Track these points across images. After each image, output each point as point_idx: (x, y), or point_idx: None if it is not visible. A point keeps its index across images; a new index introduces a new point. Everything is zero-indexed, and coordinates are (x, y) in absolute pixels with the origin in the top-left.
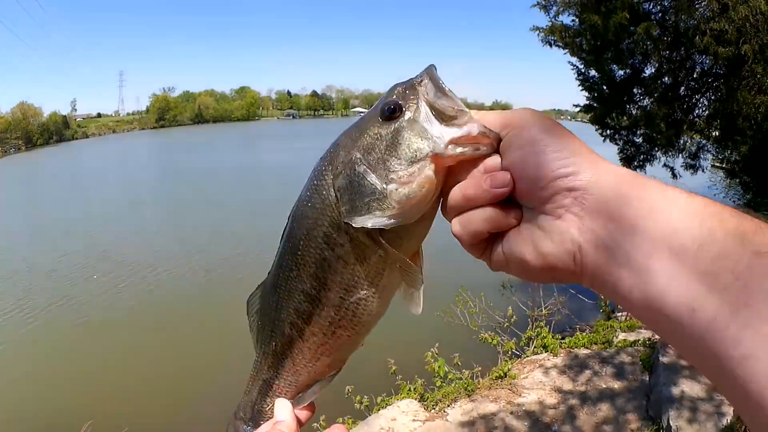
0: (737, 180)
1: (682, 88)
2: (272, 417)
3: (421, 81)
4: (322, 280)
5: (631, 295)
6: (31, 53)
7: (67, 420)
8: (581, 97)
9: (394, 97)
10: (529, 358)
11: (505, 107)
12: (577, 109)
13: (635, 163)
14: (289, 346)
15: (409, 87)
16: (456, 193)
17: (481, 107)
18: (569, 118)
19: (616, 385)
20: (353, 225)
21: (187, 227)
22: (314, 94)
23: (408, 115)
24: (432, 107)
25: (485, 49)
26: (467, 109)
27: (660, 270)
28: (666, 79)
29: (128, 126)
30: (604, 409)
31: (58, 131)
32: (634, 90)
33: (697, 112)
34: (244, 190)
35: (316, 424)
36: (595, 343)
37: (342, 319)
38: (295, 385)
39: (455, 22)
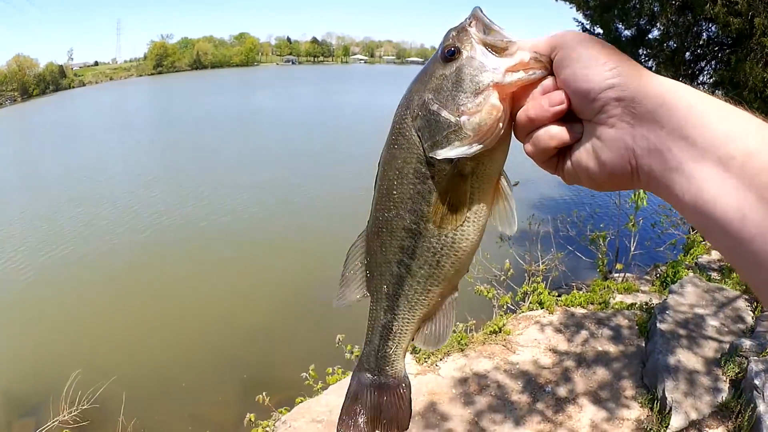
0: None
1: (688, 53)
2: (397, 360)
3: (471, 22)
4: (420, 212)
5: (684, 199)
6: (28, 5)
7: (55, 369)
8: None
9: (450, 41)
10: (524, 314)
11: None
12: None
13: None
14: (399, 285)
15: (461, 30)
16: (521, 116)
17: None
18: None
19: (612, 348)
20: (437, 158)
21: (184, 175)
22: (314, 40)
23: (465, 54)
24: (484, 43)
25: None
26: (516, 39)
27: (709, 177)
28: (672, 42)
29: (125, 73)
30: (599, 374)
31: (55, 81)
32: (640, 51)
33: (701, 78)
34: (241, 136)
35: (305, 374)
36: (592, 303)
37: (443, 248)
38: (413, 321)
39: None
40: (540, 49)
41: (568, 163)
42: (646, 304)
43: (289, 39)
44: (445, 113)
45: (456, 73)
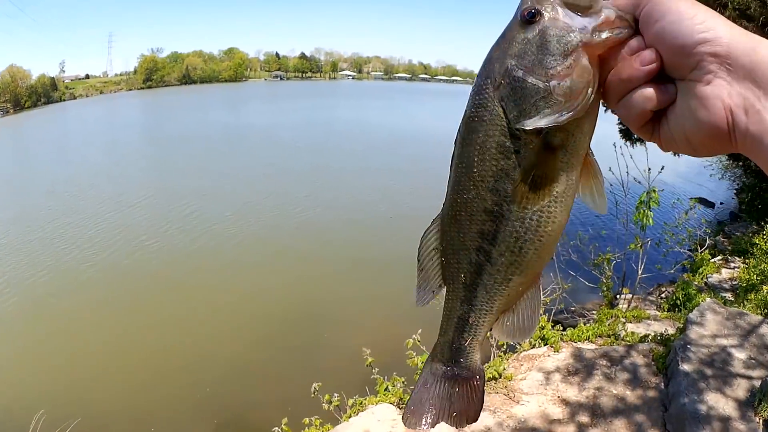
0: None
1: None
2: (472, 352)
3: None
4: (503, 192)
5: None
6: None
7: (18, 410)
8: None
9: (529, 2)
10: (526, 353)
11: None
12: None
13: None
14: (478, 274)
15: None
16: (612, 79)
17: (470, 74)
18: None
19: (629, 392)
20: (525, 128)
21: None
22: (303, 56)
23: (547, 15)
24: (565, 2)
25: (480, 21)
26: None
27: None
28: None
29: (115, 87)
30: (617, 425)
31: (46, 93)
32: None
33: None
34: (227, 155)
35: (276, 429)
36: (601, 336)
37: (527, 232)
38: (491, 313)
39: None
40: (623, 7)
41: (666, 127)
42: (661, 335)
43: (277, 54)
44: (532, 79)
45: (540, 36)
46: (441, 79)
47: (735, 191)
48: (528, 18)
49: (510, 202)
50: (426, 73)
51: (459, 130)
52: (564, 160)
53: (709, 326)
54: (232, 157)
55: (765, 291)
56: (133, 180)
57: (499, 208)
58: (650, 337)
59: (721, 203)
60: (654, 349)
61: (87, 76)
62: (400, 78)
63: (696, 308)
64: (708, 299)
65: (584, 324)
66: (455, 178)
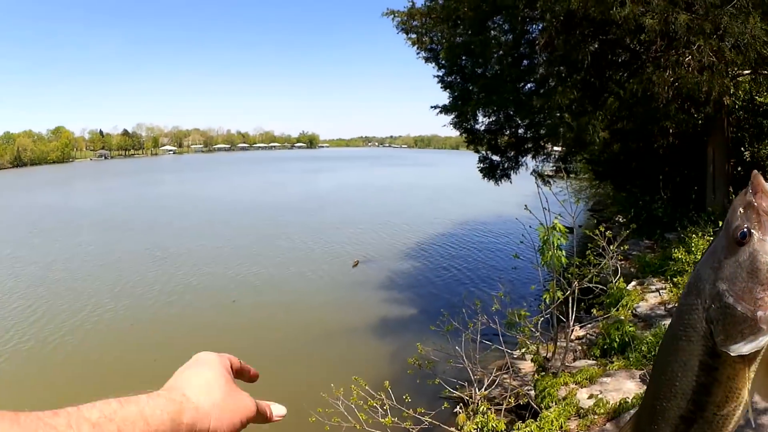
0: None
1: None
2: None
3: (756, 195)
4: (699, 403)
5: None
6: None
7: None
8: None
9: (739, 221)
10: None
11: (312, 138)
12: (437, 110)
13: (498, 173)
14: None
15: (748, 206)
16: None
17: (287, 139)
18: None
19: None
20: (732, 354)
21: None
22: (125, 133)
23: (757, 236)
24: None
25: (292, 84)
26: None
27: None
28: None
29: None
30: None
31: None
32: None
33: None
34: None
35: None
36: (570, 417)
37: None
38: None
39: (262, 58)
40: None
41: None
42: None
43: (101, 132)
44: (741, 307)
45: (750, 261)
46: (260, 146)
47: (591, 211)
48: (740, 238)
49: (704, 410)
50: (245, 142)
51: (664, 341)
52: (753, 370)
53: None
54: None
55: None
56: None
57: (693, 416)
58: (627, 402)
59: (580, 226)
60: None
61: None
62: (220, 149)
63: None
64: None
65: (542, 404)
66: (656, 386)
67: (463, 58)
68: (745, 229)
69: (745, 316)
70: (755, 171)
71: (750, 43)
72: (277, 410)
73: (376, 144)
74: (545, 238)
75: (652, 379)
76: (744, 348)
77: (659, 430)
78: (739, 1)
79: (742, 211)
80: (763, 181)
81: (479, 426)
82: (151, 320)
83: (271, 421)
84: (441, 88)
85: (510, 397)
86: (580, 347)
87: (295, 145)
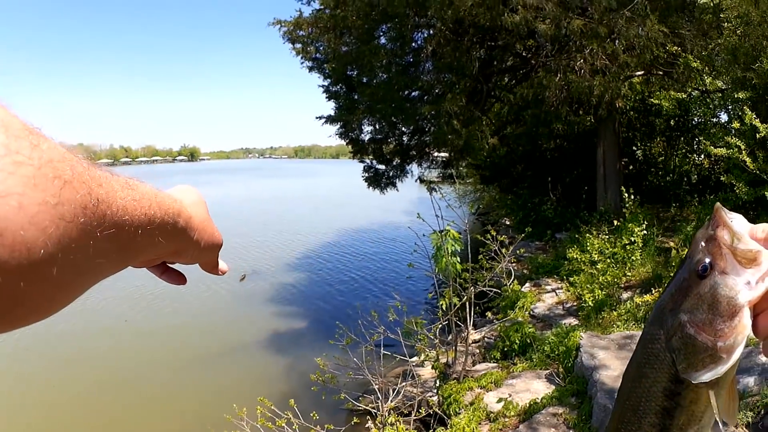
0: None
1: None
2: None
3: (718, 229)
4: (663, 426)
5: None
6: None
7: None
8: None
9: (701, 254)
10: None
11: (193, 151)
12: (322, 120)
13: (383, 182)
14: None
15: (710, 239)
16: (762, 322)
17: (169, 153)
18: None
19: None
20: (693, 381)
21: None
22: None
23: (718, 270)
24: (734, 254)
25: (172, 93)
26: (761, 246)
27: None
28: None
29: None
30: None
31: None
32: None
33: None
34: None
35: None
36: (481, 422)
37: None
38: None
39: (142, 67)
40: None
41: None
42: (557, 398)
43: None
44: (701, 338)
45: (711, 293)
46: (142, 161)
47: (476, 215)
48: (701, 272)
49: None
50: (128, 156)
51: (628, 369)
52: (716, 394)
53: (612, 363)
54: None
55: (627, 305)
56: None
57: None
58: (537, 402)
59: (464, 231)
60: (564, 414)
61: None
62: (102, 164)
63: (579, 351)
64: (583, 334)
65: (448, 410)
66: (621, 412)
67: (349, 67)
68: (707, 263)
69: (705, 346)
70: (718, 204)
71: (646, 45)
72: (223, 265)
73: (257, 155)
74: (438, 244)
75: (617, 405)
76: (704, 376)
77: None
78: (636, 4)
79: (703, 245)
80: (725, 215)
81: None
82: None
83: (220, 273)
84: (326, 98)
85: (420, 407)
86: (478, 351)
87: (177, 158)
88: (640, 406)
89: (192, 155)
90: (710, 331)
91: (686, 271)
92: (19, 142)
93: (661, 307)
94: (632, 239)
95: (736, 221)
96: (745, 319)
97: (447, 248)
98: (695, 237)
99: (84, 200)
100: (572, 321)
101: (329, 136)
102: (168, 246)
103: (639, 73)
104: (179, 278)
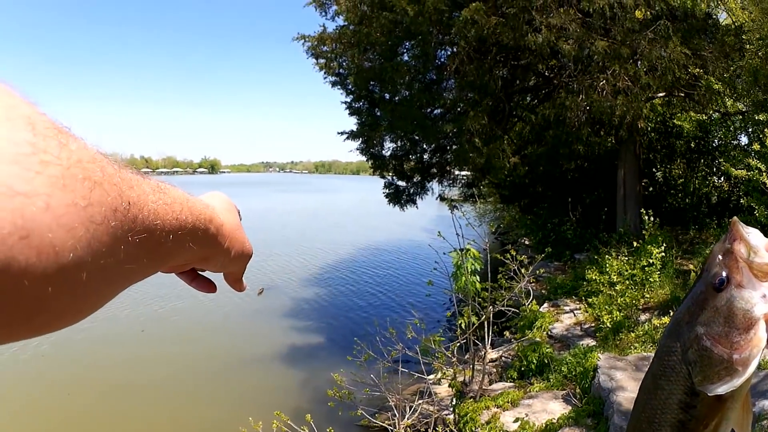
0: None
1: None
2: None
3: (735, 243)
4: None
5: None
6: None
7: None
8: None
9: (718, 267)
10: None
11: (214, 163)
12: (344, 136)
13: (403, 199)
14: None
15: (727, 253)
16: None
17: (190, 164)
18: (278, 170)
19: None
20: (708, 393)
21: None
22: None
23: (734, 283)
24: (750, 267)
25: (194, 105)
26: None
27: None
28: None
29: None
30: None
31: None
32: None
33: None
34: None
35: None
36: None
37: None
38: None
39: (164, 80)
40: None
41: None
42: (574, 417)
43: None
44: (717, 350)
45: (727, 307)
46: (162, 172)
47: (495, 234)
48: (718, 285)
49: None
50: (148, 167)
51: (644, 381)
52: (730, 407)
53: (629, 385)
54: None
55: (645, 326)
56: None
57: None
58: (554, 423)
59: (483, 249)
60: None
61: None
62: None
63: (596, 372)
64: (600, 355)
65: (464, 429)
66: (637, 424)
67: (372, 83)
68: (723, 276)
69: (721, 358)
70: (735, 218)
71: (668, 66)
72: (244, 283)
73: (277, 169)
74: (459, 263)
75: (633, 417)
76: (720, 389)
77: None
78: (659, 26)
79: (720, 258)
80: (741, 228)
81: None
82: (56, 349)
83: (240, 289)
84: (348, 114)
85: (437, 425)
86: (495, 370)
87: (197, 170)
88: (656, 418)
89: (212, 167)
90: (726, 344)
91: (703, 284)
92: (47, 141)
93: (677, 320)
94: (651, 261)
95: (753, 235)
96: (761, 332)
97: (467, 267)
98: (712, 250)
99: (115, 203)
100: (590, 342)
101: (350, 151)
102: (198, 252)
103: (660, 94)
104: (209, 286)
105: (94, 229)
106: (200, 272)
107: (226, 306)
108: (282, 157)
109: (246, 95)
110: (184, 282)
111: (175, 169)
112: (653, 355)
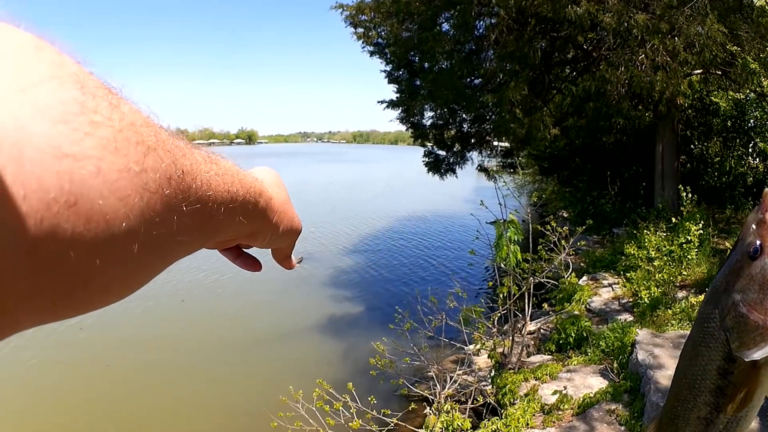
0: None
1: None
2: None
3: (767, 213)
4: (716, 404)
5: None
6: None
7: None
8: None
9: (752, 237)
10: None
11: (251, 134)
12: (384, 105)
13: (443, 168)
14: None
15: (761, 223)
16: None
17: (227, 135)
18: (315, 140)
19: None
20: (745, 359)
21: None
22: None
23: (767, 252)
24: None
25: (231, 78)
26: None
27: None
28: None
29: None
30: None
31: None
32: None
33: None
34: None
35: None
36: (536, 414)
37: None
38: None
39: (200, 53)
40: None
41: None
42: (611, 392)
43: None
44: (753, 317)
45: (761, 274)
46: (199, 143)
47: (533, 206)
48: (752, 253)
49: (719, 411)
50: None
51: (685, 347)
52: (765, 373)
53: (666, 362)
54: None
55: (682, 304)
56: None
57: (710, 416)
58: (591, 397)
59: (523, 221)
60: (617, 411)
61: None
62: None
63: (634, 347)
64: (639, 331)
65: (503, 400)
66: (678, 390)
67: (411, 53)
68: (758, 245)
69: (757, 324)
70: (767, 189)
71: (705, 44)
72: (294, 260)
73: (315, 140)
74: (501, 233)
75: (674, 383)
76: (756, 354)
77: (679, 430)
78: (696, 2)
79: (754, 228)
80: None
81: (444, 425)
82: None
83: (290, 267)
84: (388, 83)
85: (476, 396)
86: (533, 342)
87: (234, 141)
88: (696, 383)
89: (249, 138)
90: (761, 310)
91: (738, 252)
92: (98, 100)
93: (715, 288)
94: (689, 238)
95: None
96: None
97: (509, 237)
98: (746, 220)
99: (169, 170)
100: (627, 317)
101: (390, 120)
102: (247, 227)
103: (698, 71)
104: (254, 264)
105: (148, 197)
106: (245, 249)
107: (265, 276)
108: (320, 127)
109: (283, 65)
110: (228, 259)
111: (211, 141)
112: (692, 324)
